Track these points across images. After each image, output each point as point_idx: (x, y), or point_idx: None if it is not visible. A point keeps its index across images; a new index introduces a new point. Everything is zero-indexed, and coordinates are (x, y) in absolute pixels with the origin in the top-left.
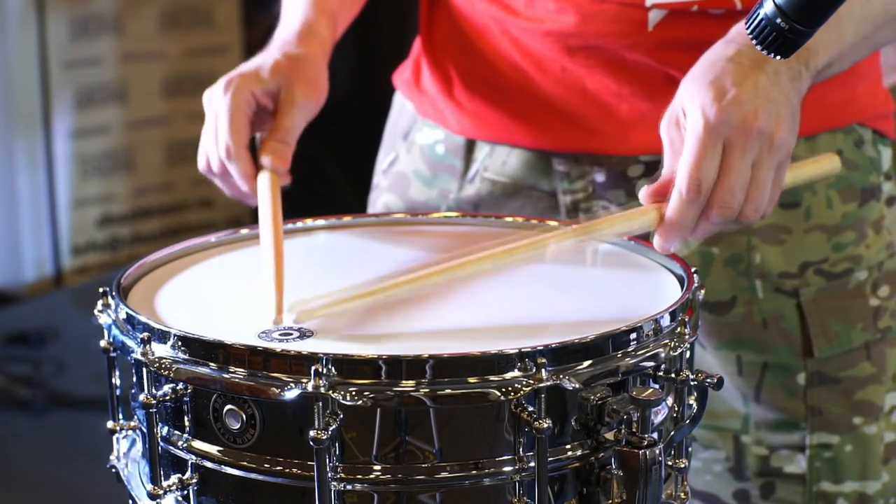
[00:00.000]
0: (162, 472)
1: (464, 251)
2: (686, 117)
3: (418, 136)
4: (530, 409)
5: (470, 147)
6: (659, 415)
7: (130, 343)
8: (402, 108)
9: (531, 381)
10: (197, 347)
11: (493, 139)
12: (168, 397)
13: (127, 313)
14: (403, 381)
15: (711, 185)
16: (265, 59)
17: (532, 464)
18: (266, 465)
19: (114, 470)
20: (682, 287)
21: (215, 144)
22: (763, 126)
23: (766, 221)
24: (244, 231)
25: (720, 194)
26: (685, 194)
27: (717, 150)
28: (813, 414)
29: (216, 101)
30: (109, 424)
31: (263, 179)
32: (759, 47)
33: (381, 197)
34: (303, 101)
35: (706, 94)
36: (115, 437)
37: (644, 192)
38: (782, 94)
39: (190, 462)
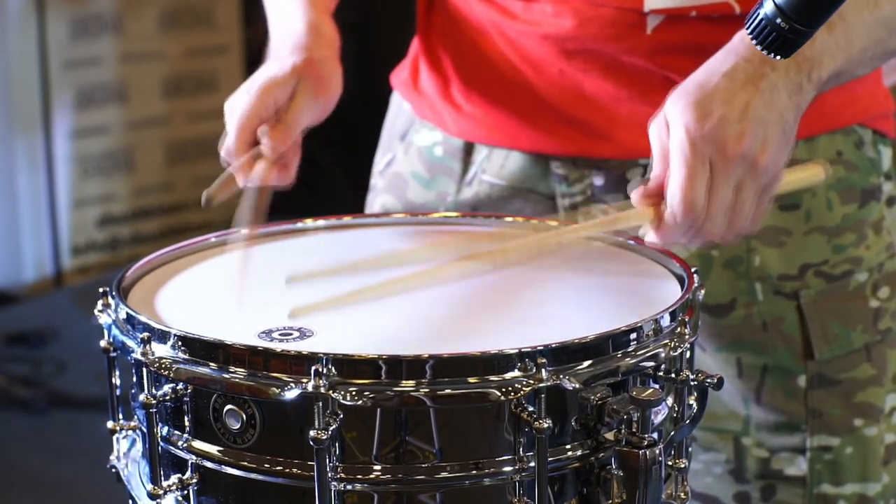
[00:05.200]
0: (162, 472)
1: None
2: (670, 132)
3: (416, 137)
4: (530, 408)
5: (468, 149)
6: (659, 415)
7: (130, 343)
8: (399, 108)
9: (531, 381)
10: (197, 347)
11: (490, 142)
12: (168, 397)
13: (127, 313)
14: (403, 381)
15: (704, 205)
16: (282, 64)
17: (532, 464)
18: (266, 465)
19: (114, 470)
20: (682, 287)
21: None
22: (747, 151)
23: (765, 223)
24: (244, 231)
25: (706, 222)
26: (680, 217)
27: (705, 172)
28: (813, 416)
29: (236, 106)
30: (109, 424)
31: (252, 182)
32: (759, 47)
33: (379, 198)
34: (312, 99)
35: (691, 113)
36: (115, 437)
37: (636, 195)
38: (775, 112)
39: (190, 462)
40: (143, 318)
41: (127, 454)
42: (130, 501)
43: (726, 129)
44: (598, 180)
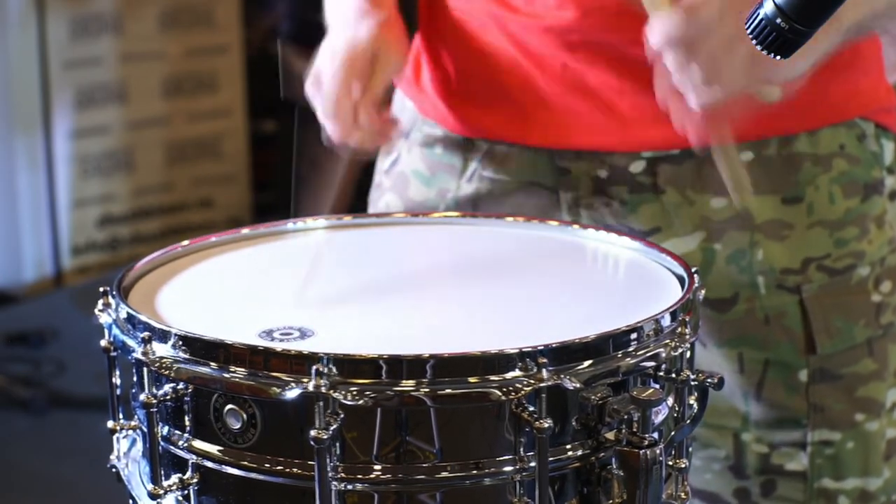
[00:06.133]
0: (162, 472)
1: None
2: None
3: (418, 135)
4: (531, 408)
5: (468, 145)
6: (659, 415)
7: (131, 343)
8: (402, 107)
9: (532, 381)
10: (198, 347)
11: (492, 137)
12: (168, 397)
13: (128, 313)
14: (404, 381)
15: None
16: (358, 32)
17: (533, 463)
18: (267, 465)
19: (114, 470)
20: (682, 287)
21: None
22: None
23: (768, 217)
24: (244, 231)
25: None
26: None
27: None
28: (814, 411)
29: (326, 83)
30: (110, 424)
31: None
32: (759, 47)
33: (384, 197)
34: (392, 62)
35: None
36: (115, 437)
37: None
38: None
39: (190, 462)
40: (143, 318)
41: (127, 454)
42: (131, 501)
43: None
44: (602, 173)
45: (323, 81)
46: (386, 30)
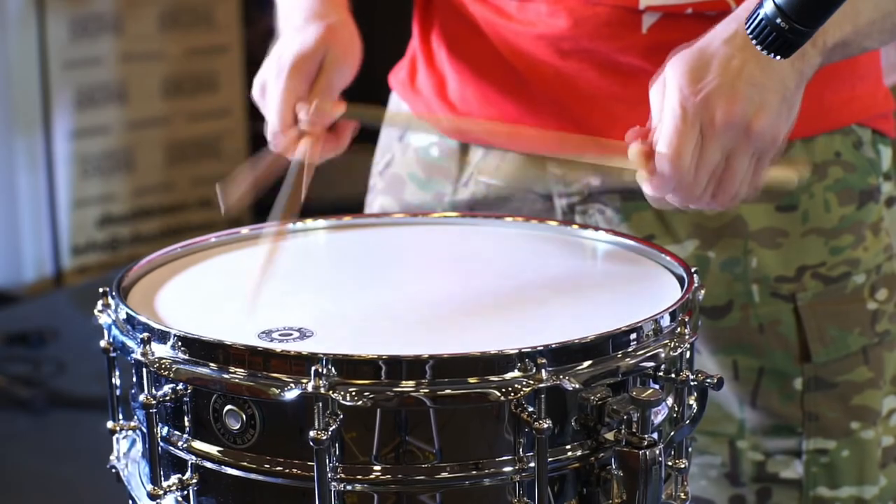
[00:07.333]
0: (162, 473)
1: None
2: (665, 96)
3: (413, 138)
4: (530, 409)
5: (464, 150)
6: (659, 415)
7: (130, 343)
8: (397, 109)
9: (531, 382)
10: (197, 348)
11: (486, 143)
12: (168, 397)
13: (127, 313)
14: (403, 382)
15: (692, 171)
16: (304, 37)
17: (532, 464)
18: (266, 466)
19: (114, 470)
20: (682, 287)
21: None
22: (738, 118)
23: (762, 224)
24: (244, 231)
25: (694, 187)
26: (668, 179)
27: (694, 139)
28: (809, 419)
29: (269, 89)
30: (109, 424)
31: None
32: (759, 47)
33: (378, 199)
34: (341, 67)
35: (686, 79)
36: (115, 438)
37: (634, 149)
38: (774, 77)
39: (190, 462)
40: (142, 319)
41: (127, 454)
42: (130, 502)
43: (718, 97)
44: (595, 180)
45: (268, 89)
46: (335, 33)
